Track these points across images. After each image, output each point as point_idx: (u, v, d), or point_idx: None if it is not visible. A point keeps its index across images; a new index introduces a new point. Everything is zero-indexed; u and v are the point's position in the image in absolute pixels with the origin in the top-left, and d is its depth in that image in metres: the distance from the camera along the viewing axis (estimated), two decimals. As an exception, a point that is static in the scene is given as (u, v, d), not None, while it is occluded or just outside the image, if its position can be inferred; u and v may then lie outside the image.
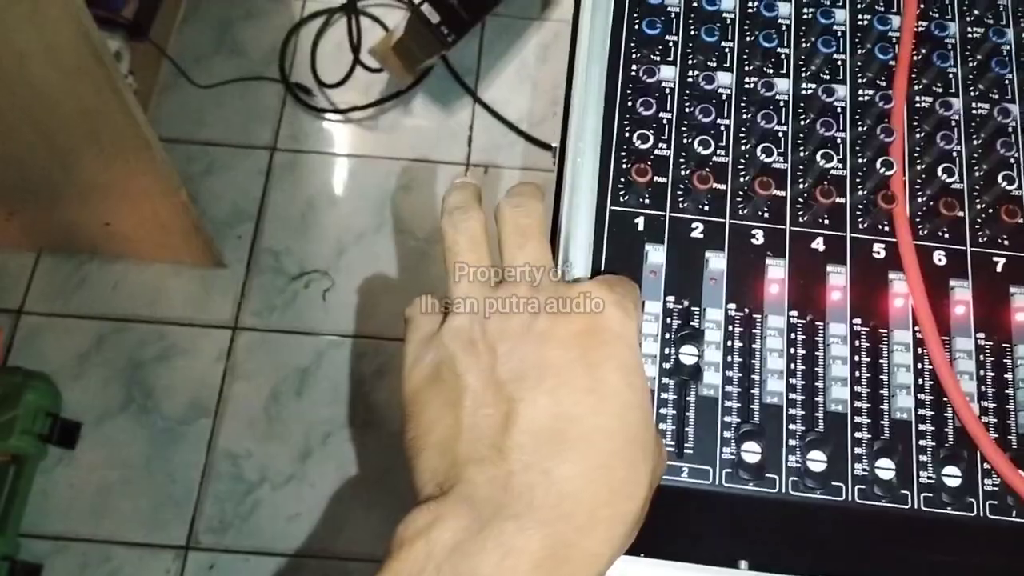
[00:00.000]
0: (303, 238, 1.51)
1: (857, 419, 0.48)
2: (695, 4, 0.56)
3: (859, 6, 0.57)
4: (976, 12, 0.57)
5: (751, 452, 0.47)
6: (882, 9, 0.57)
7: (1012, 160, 0.53)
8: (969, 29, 0.57)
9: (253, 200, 1.54)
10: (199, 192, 1.53)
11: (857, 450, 0.48)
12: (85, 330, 1.45)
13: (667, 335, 0.50)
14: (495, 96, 1.65)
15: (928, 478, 0.47)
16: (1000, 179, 0.52)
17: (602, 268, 0.51)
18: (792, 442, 0.48)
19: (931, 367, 0.49)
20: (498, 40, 1.70)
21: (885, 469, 0.47)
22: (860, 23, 0.56)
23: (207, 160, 1.57)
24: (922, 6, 0.57)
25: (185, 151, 1.57)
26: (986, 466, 0.48)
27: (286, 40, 1.66)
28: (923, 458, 0.48)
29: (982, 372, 0.49)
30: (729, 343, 0.50)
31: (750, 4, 0.57)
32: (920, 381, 0.49)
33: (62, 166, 1.23)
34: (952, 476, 0.47)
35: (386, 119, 1.63)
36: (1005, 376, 0.49)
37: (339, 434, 1.38)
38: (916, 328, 0.50)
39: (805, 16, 0.56)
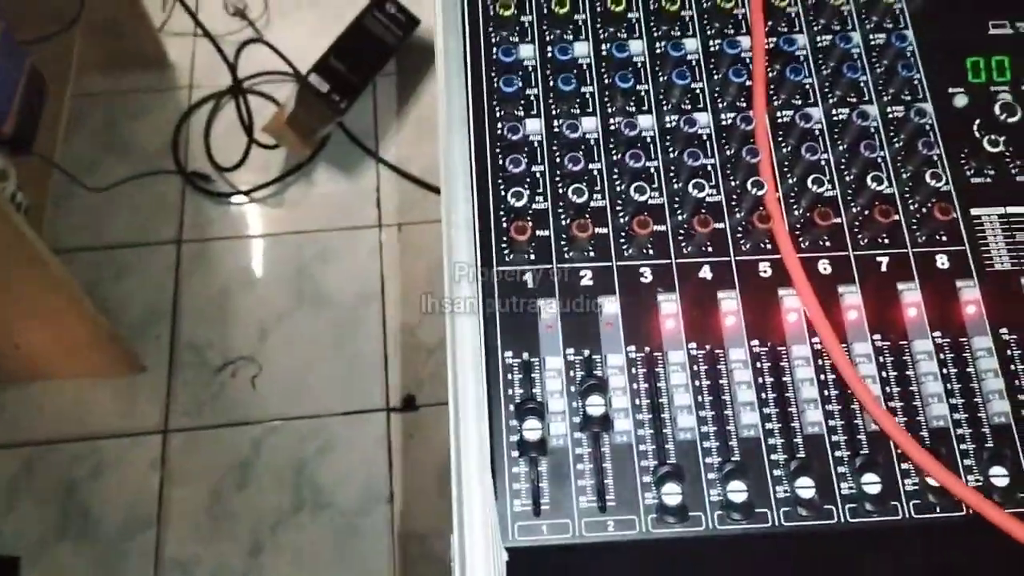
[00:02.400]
0: (223, 327, 1.48)
1: (771, 441, 0.48)
2: (549, 55, 0.57)
3: (708, 32, 0.58)
4: (822, 21, 0.59)
5: (672, 494, 0.46)
6: (731, 32, 0.58)
7: (879, 160, 0.55)
8: (817, 38, 0.58)
9: (166, 297, 1.50)
10: (110, 298, 1.49)
11: (776, 472, 0.47)
12: (11, 459, 1.38)
13: (572, 388, 0.49)
14: (398, 154, 1.65)
15: (849, 488, 0.47)
16: (870, 180, 0.53)
17: (497, 330, 0.50)
18: (711, 476, 0.47)
19: (834, 377, 0.50)
20: (391, 98, 1.70)
21: (805, 488, 0.47)
22: (711, 49, 0.57)
23: (113, 264, 1.53)
24: (769, 23, 0.58)
25: (90, 258, 1.53)
26: (904, 467, 0.48)
27: (177, 130, 1.63)
28: (841, 469, 0.48)
29: (884, 373, 0.50)
30: (635, 386, 0.49)
31: (602, 47, 0.57)
32: (826, 392, 0.49)
33: (-43, 296, 1.18)
34: (872, 483, 0.47)
35: (291, 194, 1.61)
36: (907, 373, 0.50)
37: (288, 522, 1.34)
38: (814, 340, 0.50)
39: (657, 51, 0.57)
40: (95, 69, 1.63)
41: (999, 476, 0.48)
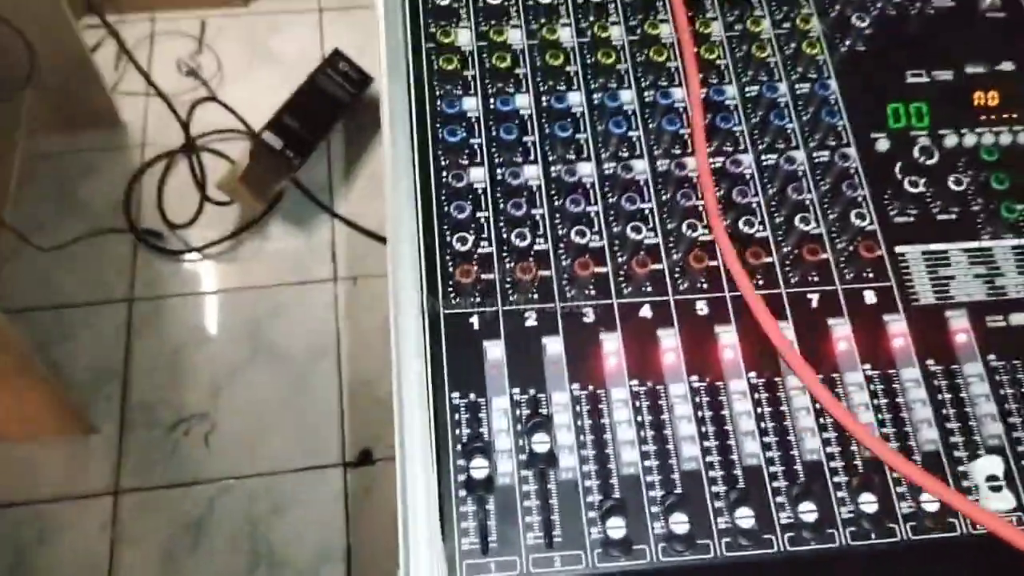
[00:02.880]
0: (175, 385, 1.46)
1: (711, 473, 0.50)
2: (492, 106, 0.59)
3: (643, 84, 0.61)
4: (750, 72, 0.62)
5: (616, 528, 0.47)
6: (664, 84, 0.61)
7: (807, 202, 0.57)
8: (746, 89, 0.61)
9: (117, 356, 1.48)
10: (60, 358, 1.47)
11: (717, 504, 0.49)
12: (-47, 526, 1.35)
13: (518, 427, 0.50)
14: (352, 208, 1.66)
15: (788, 518, 0.49)
16: (798, 221, 0.56)
17: (444, 372, 0.51)
18: (654, 509, 0.48)
19: (771, 409, 0.51)
20: (345, 153, 1.72)
21: (745, 518, 0.48)
22: (646, 100, 0.60)
23: (64, 324, 1.51)
24: (700, 75, 0.61)
25: (40, 318, 1.51)
26: (840, 495, 0.49)
27: (129, 189, 1.63)
28: (779, 499, 0.49)
29: (817, 405, 0.52)
30: (579, 423, 0.50)
31: (543, 98, 0.60)
32: (763, 425, 0.51)
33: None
34: (808, 512, 0.49)
35: (245, 249, 1.61)
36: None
37: (243, 582, 1.32)
38: (750, 375, 0.52)
39: (595, 102, 0.60)
40: (47, 129, 1.64)
41: (930, 502, 0.50)
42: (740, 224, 0.55)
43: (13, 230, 1.50)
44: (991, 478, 0.50)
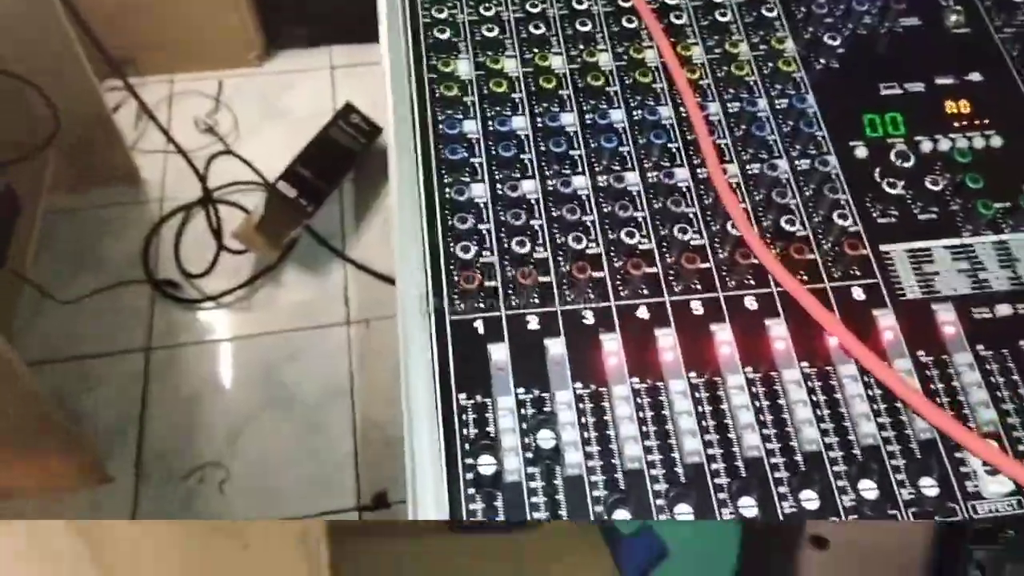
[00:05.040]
0: (191, 433, 1.48)
1: (714, 465, 0.51)
2: (491, 127, 0.62)
3: (631, 104, 0.64)
4: (731, 91, 0.65)
5: (623, 520, 0.49)
6: (651, 103, 0.64)
7: (792, 206, 0.60)
8: (728, 105, 0.64)
9: (134, 405, 1.51)
10: (79, 409, 1.49)
11: (720, 495, 0.50)
12: (-26, 579, 1.36)
13: (523, 425, 0.52)
14: (365, 252, 1.70)
15: (791, 507, 0.50)
16: (784, 224, 0.58)
17: (451, 376, 0.53)
18: (659, 502, 0.50)
19: (768, 403, 0.53)
20: (358, 199, 1.76)
21: (748, 507, 0.49)
22: (635, 118, 0.63)
23: (83, 374, 1.54)
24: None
25: (60, 370, 1.54)
26: (840, 484, 0.51)
27: (147, 241, 1.68)
28: (781, 489, 0.51)
29: (813, 397, 0.53)
30: (583, 420, 0.52)
31: (538, 119, 0.63)
32: (761, 417, 0.53)
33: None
34: (810, 500, 0.50)
35: (260, 297, 1.64)
36: (835, 396, 0.54)
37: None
38: (747, 369, 0.54)
39: (588, 121, 0.63)
40: (68, 186, 1.68)
41: (929, 487, 0.51)
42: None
43: (34, 284, 1.54)
44: (987, 462, 0.51)
